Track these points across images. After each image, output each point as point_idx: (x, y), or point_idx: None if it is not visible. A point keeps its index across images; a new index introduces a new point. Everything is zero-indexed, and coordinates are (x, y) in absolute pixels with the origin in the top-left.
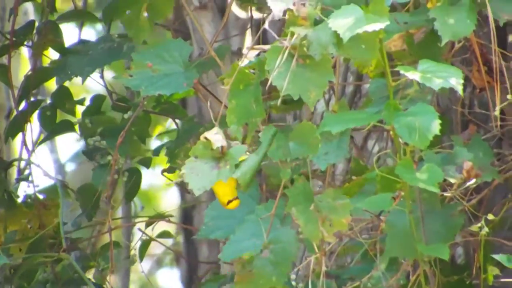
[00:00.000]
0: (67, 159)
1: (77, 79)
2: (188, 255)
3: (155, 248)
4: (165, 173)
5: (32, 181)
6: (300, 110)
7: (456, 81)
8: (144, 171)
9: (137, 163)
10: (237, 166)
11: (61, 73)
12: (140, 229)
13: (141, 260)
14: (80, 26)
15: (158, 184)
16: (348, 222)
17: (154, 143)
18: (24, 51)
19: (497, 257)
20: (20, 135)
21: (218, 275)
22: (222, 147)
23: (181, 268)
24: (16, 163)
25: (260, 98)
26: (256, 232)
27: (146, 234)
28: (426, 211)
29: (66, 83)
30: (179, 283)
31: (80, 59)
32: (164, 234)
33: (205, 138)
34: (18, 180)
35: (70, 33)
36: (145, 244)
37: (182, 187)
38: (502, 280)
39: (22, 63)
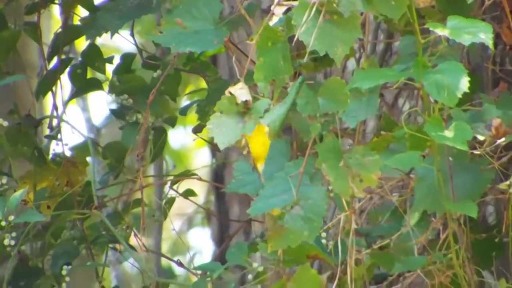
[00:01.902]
0: (101, 121)
1: (108, 39)
2: (219, 213)
3: (187, 207)
4: (195, 131)
5: (61, 139)
6: (330, 68)
7: (486, 36)
8: (177, 131)
9: (163, 122)
10: (265, 112)
11: (91, 29)
12: (170, 187)
13: (165, 217)
14: None
15: (190, 144)
16: (378, 178)
17: (184, 102)
18: (56, 10)
19: None
20: (52, 93)
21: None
22: (247, 101)
23: (212, 227)
24: (46, 120)
25: (288, 55)
26: (286, 188)
27: (175, 191)
28: (455, 167)
29: (98, 43)
30: (210, 241)
31: (110, 14)
32: (189, 193)
33: (230, 93)
34: (47, 138)
35: None
36: (170, 202)
37: (213, 145)
38: None
39: (53, 22)
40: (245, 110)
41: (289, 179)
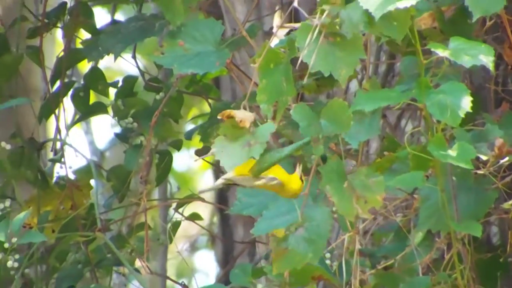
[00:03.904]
0: (105, 144)
1: (110, 62)
2: (224, 235)
3: (192, 229)
4: (199, 154)
5: (64, 162)
6: (332, 90)
7: (486, 58)
8: (182, 153)
9: (168, 145)
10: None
11: (92, 52)
12: (175, 210)
13: (171, 241)
14: (113, 8)
15: (195, 167)
16: (382, 199)
17: (188, 127)
18: (58, 34)
19: None
20: (55, 116)
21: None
22: (250, 124)
23: (216, 248)
24: (50, 143)
25: (290, 76)
26: (289, 209)
27: (181, 214)
28: (458, 187)
29: (101, 66)
30: (215, 263)
31: (112, 37)
32: (194, 216)
33: (229, 115)
34: (51, 161)
35: (101, 18)
36: (176, 225)
37: (217, 168)
38: None
39: (57, 46)
40: (249, 133)
41: (293, 200)
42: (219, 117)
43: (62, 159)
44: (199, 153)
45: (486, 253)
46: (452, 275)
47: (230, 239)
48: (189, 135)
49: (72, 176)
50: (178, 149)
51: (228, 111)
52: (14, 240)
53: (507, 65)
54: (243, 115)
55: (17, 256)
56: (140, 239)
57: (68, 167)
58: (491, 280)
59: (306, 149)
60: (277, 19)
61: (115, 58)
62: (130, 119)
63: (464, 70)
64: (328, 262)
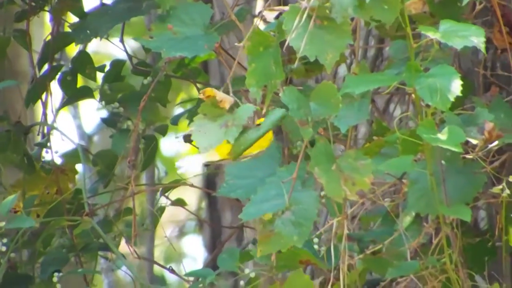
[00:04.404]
0: (92, 128)
1: (100, 46)
2: (211, 220)
3: (180, 215)
4: (186, 140)
5: (50, 147)
6: (321, 74)
7: (478, 40)
8: (169, 137)
9: (154, 130)
10: (241, 133)
11: (80, 35)
12: (162, 194)
13: (155, 226)
14: None
15: (183, 151)
16: (370, 182)
17: (177, 111)
18: (48, 18)
19: None
20: (43, 100)
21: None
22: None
23: (204, 234)
24: (36, 127)
25: (279, 59)
26: (278, 194)
27: (168, 198)
28: (448, 170)
29: (90, 50)
30: (202, 248)
31: (99, 18)
32: (179, 202)
33: (210, 94)
34: (37, 145)
35: (90, 1)
36: (160, 210)
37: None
38: None
39: (46, 30)
40: (228, 114)
41: (281, 185)
42: (199, 95)
43: (48, 144)
44: (187, 138)
45: (473, 237)
46: (441, 260)
47: (218, 224)
48: (175, 121)
49: (58, 161)
50: (164, 134)
51: (209, 90)
52: (2, 224)
53: (496, 50)
54: (224, 96)
55: (5, 240)
56: (128, 224)
57: (54, 151)
58: (479, 265)
59: (294, 135)
60: (261, 2)
61: (101, 38)
62: (116, 104)
63: (453, 54)
64: (316, 247)
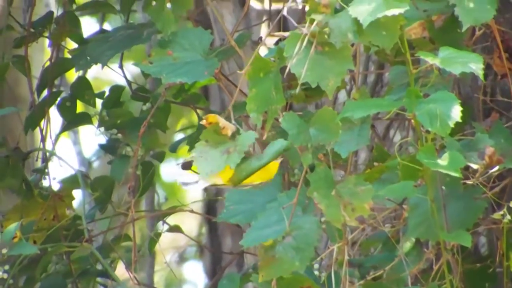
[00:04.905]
0: (92, 154)
1: (98, 72)
2: (212, 246)
3: (181, 240)
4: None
5: (47, 173)
6: (321, 100)
7: (476, 66)
8: (169, 163)
9: (151, 157)
10: (243, 160)
11: (80, 61)
12: (162, 220)
13: (151, 251)
14: (102, 18)
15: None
16: (370, 207)
17: (178, 137)
18: (47, 43)
19: None
20: (43, 126)
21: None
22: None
23: (205, 259)
24: (35, 153)
25: (280, 85)
26: (278, 220)
27: (168, 224)
28: (448, 196)
29: (90, 76)
30: (203, 274)
31: (100, 45)
32: (175, 228)
33: (212, 120)
34: (35, 172)
35: (89, 27)
36: (156, 236)
37: None
38: None
39: (46, 56)
40: (230, 141)
41: (282, 210)
42: (201, 122)
43: (46, 170)
44: (186, 166)
45: (474, 263)
46: (442, 286)
47: (219, 249)
48: (173, 148)
49: (56, 187)
50: (161, 161)
51: (211, 116)
52: (4, 251)
53: (496, 75)
54: (226, 123)
55: (6, 267)
56: (127, 249)
57: (52, 178)
58: None
59: (293, 161)
60: (264, 29)
61: (103, 66)
62: (115, 130)
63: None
64: (316, 273)
